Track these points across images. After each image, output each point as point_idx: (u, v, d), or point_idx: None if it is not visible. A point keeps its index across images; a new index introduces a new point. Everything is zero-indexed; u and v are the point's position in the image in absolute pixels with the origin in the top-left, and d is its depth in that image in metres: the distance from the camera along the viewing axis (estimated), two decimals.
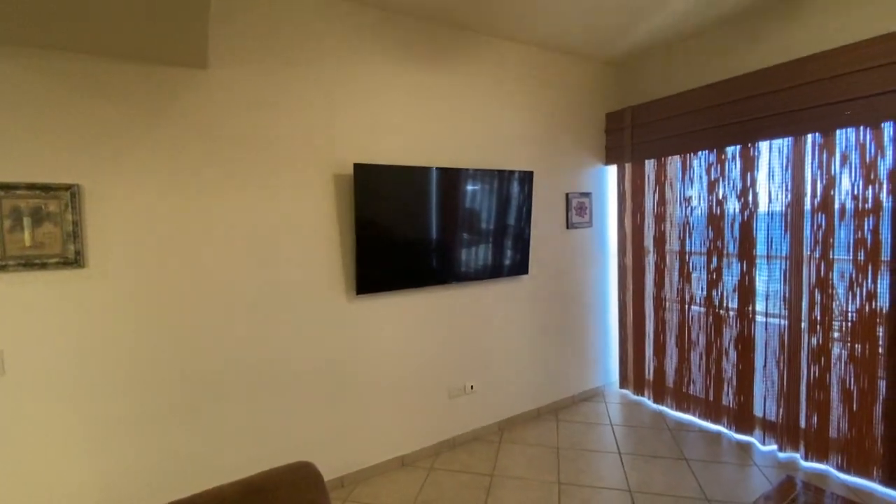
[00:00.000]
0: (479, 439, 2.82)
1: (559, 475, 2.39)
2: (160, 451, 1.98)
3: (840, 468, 2.35)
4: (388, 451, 2.52)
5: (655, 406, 3.25)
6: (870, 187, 2.21)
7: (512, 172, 2.78)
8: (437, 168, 2.48)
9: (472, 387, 2.82)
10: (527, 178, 2.84)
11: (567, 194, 3.22)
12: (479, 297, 2.83)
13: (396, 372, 2.55)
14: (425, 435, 2.65)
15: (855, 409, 2.29)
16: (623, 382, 3.51)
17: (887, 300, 2.19)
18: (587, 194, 3.33)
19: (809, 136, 2.39)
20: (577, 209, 3.28)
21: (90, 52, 1.75)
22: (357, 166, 2.22)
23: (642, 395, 3.38)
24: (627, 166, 3.34)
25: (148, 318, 1.93)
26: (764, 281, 2.67)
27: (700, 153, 2.90)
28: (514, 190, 2.80)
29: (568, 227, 3.24)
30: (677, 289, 3.09)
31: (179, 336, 1.99)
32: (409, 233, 2.42)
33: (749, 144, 2.64)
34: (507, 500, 2.20)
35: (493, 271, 2.80)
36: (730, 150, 2.74)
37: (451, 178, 2.54)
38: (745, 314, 2.72)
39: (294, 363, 2.25)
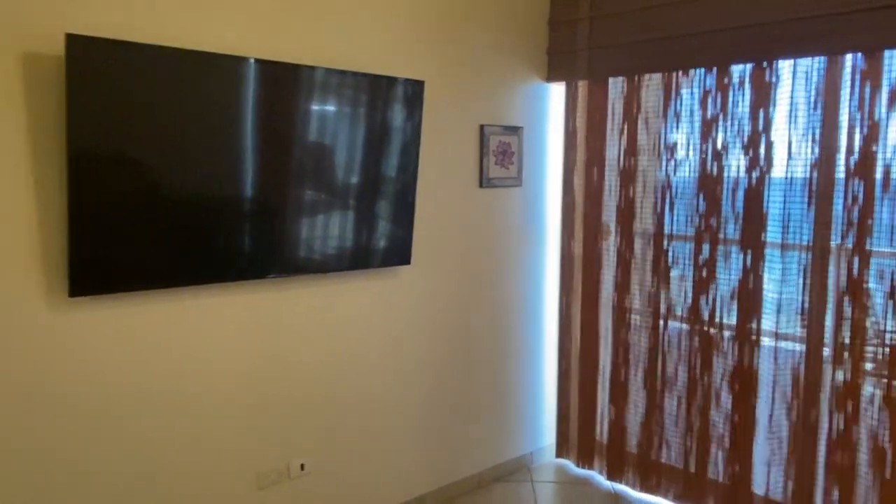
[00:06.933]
0: None
1: None
2: None
3: None
4: None
5: (610, 484, 3.39)
6: None
7: (388, 81, 2.68)
8: (248, 60, 2.31)
9: (301, 466, 2.72)
10: (413, 92, 2.76)
11: (482, 127, 3.19)
12: (323, 305, 2.74)
13: (155, 445, 2.35)
14: None
15: (889, 476, 2.58)
16: (562, 448, 3.61)
17: None
18: (515, 129, 3.32)
19: (849, 58, 2.60)
20: (499, 154, 3.26)
21: None
22: (73, 41, 1.94)
23: (591, 467, 3.50)
24: (581, 86, 3.38)
25: None
26: (776, 283, 2.90)
27: (692, 72, 3.01)
28: (390, 113, 2.72)
29: (482, 185, 3.23)
30: (650, 294, 3.22)
31: None
32: (187, 182, 2.26)
33: (765, 63, 2.80)
34: None
35: (350, 259, 2.73)
36: (737, 70, 2.89)
37: (275, 80, 2.39)
38: (747, 334, 2.93)
39: None
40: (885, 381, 2.59)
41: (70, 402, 2.18)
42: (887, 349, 2.58)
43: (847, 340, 2.66)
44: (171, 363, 2.38)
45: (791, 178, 2.80)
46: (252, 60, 2.33)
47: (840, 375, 2.68)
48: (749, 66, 2.86)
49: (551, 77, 3.45)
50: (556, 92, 3.52)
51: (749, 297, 2.92)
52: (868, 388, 2.64)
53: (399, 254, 2.87)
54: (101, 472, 2.26)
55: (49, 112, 2.05)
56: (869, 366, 2.63)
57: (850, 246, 2.64)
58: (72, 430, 2.19)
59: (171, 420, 2.39)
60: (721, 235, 2.99)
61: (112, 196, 2.12)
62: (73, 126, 2.00)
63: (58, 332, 2.13)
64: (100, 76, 2.02)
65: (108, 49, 2.03)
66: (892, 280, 2.57)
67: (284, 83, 2.42)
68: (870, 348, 2.63)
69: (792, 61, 2.74)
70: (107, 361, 2.24)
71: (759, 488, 2.94)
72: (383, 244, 2.81)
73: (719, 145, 2.97)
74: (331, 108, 2.56)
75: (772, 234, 2.86)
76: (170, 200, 2.23)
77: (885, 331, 2.59)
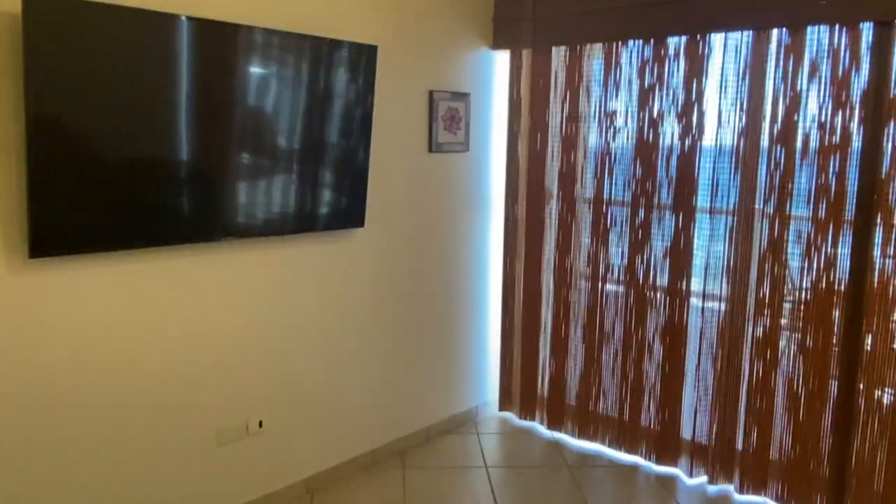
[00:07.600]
0: None
1: None
2: None
3: (779, 499, 2.91)
4: None
5: (550, 433, 3.59)
6: (839, 112, 2.68)
7: (339, 44, 2.69)
8: (191, 20, 2.27)
9: (259, 423, 2.78)
10: (365, 57, 2.78)
11: (431, 93, 3.25)
12: (275, 268, 2.77)
13: (116, 405, 2.36)
14: None
15: (802, 418, 2.86)
16: (505, 402, 3.78)
17: (847, 271, 2.74)
18: (463, 96, 3.40)
19: (775, 32, 2.78)
20: (447, 120, 3.34)
21: None
22: None
23: (532, 418, 3.69)
24: (526, 55, 3.47)
25: None
26: (703, 246, 3.11)
27: (632, 43, 3.15)
28: (341, 77, 2.75)
29: (431, 150, 3.30)
30: (589, 255, 3.40)
31: None
32: (139, 146, 2.24)
33: (699, 36, 2.96)
34: None
35: (305, 221, 2.76)
36: (672, 42, 3.04)
37: (222, 42, 2.37)
38: (678, 292, 3.14)
39: None
40: (799, 332, 2.84)
41: (29, 361, 2.16)
42: (802, 304, 2.83)
43: (767, 297, 2.89)
44: (130, 324, 2.38)
45: (720, 146, 2.99)
46: (186, 19, 2.26)
47: (760, 328, 2.92)
48: (684, 38, 3.01)
49: (497, 44, 3.52)
50: (502, 60, 3.59)
51: (680, 258, 3.12)
52: (783, 340, 2.89)
53: (353, 217, 2.91)
54: (62, 431, 2.26)
55: (4, 70, 2.00)
56: (784, 320, 2.88)
57: (770, 211, 2.85)
58: (31, 390, 2.18)
59: (130, 380, 2.40)
60: (655, 200, 3.17)
61: (71, 157, 2.09)
62: (31, 86, 1.95)
63: (18, 292, 2.11)
64: (56, 35, 1.98)
65: (64, 7, 1.98)
66: (807, 241, 2.80)
67: (226, 42, 2.39)
68: (787, 304, 2.87)
69: (723, 35, 2.90)
70: (66, 321, 2.23)
71: (686, 433, 3.18)
72: (337, 207, 2.85)
73: (655, 114, 3.12)
74: (273, 69, 2.54)
75: (702, 198, 3.05)
76: (125, 162, 2.21)
77: (799, 287, 2.84)
